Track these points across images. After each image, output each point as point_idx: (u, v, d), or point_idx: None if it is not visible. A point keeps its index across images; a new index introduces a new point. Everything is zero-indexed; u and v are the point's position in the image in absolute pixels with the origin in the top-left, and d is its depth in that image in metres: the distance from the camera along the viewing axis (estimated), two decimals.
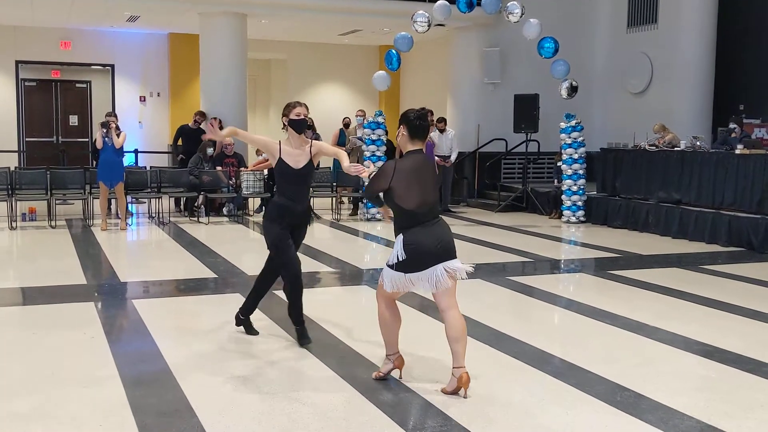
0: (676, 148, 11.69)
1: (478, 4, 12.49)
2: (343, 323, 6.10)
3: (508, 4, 12.18)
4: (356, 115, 14.03)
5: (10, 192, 11.47)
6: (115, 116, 11.43)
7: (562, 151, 12.73)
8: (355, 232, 11.65)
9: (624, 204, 12.06)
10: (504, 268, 8.73)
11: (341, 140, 14.28)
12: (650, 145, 12.07)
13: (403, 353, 4.79)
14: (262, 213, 12.92)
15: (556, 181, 13.34)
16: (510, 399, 4.45)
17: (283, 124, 5.49)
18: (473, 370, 4.89)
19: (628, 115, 14.85)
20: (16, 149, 16.42)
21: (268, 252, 5.57)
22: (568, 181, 12.56)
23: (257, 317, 6.09)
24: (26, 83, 17.17)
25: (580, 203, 12.56)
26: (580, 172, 12.54)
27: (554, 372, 4.92)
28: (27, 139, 17.12)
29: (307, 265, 8.75)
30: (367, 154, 12.86)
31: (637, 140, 12.67)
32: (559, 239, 11.16)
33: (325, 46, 18.89)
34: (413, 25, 12.21)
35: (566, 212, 12.65)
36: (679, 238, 10.84)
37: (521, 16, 12.08)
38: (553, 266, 9.14)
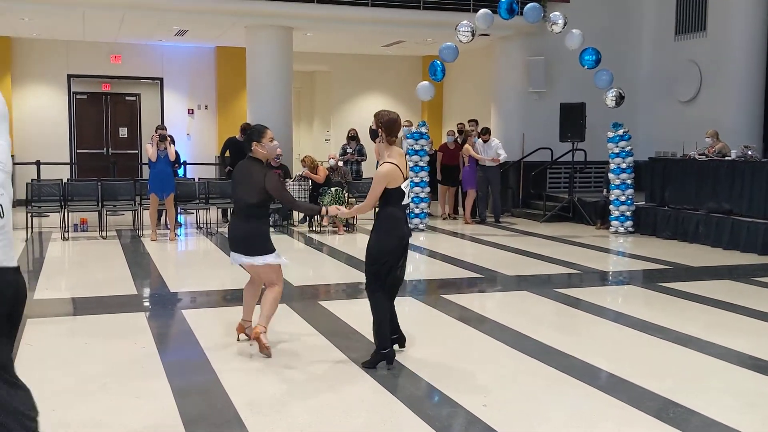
0: (726, 158, 11.47)
1: (520, 13, 12.45)
2: None
3: (551, 15, 12.12)
4: (403, 126, 14.05)
5: (62, 203, 11.76)
6: (165, 128, 11.65)
7: (610, 160, 12.59)
8: None
9: (673, 214, 11.86)
10: (550, 280, 8.66)
11: None
12: (700, 155, 11.87)
13: (445, 365, 4.76)
14: (307, 222, 13.09)
15: (605, 190, 13.17)
16: (558, 414, 4.41)
17: (378, 134, 5.27)
18: (520, 384, 4.87)
19: (677, 124, 14.63)
20: (68, 161, 16.80)
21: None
22: (616, 191, 12.40)
23: (306, 331, 6.17)
24: (78, 96, 17.57)
25: (628, 213, 12.39)
26: (628, 181, 12.38)
27: (603, 387, 4.86)
28: (78, 151, 17.50)
29: (347, 275, 8.86)
30: (410, 164, 12.87)
31: (686, 149, 12.46)
32: (606, 250, 11.03)
33: (369, 58, 18.98)
34: (457, 35, 12.22)
35: (614, 222, 12.49)
36: (731, 249, 10.63)
37: (564, 26, 12.01)
38: (600, 278, 9.04)
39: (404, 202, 5.30)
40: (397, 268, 5.25)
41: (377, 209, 5.45)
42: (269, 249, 5.51)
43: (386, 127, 5.20)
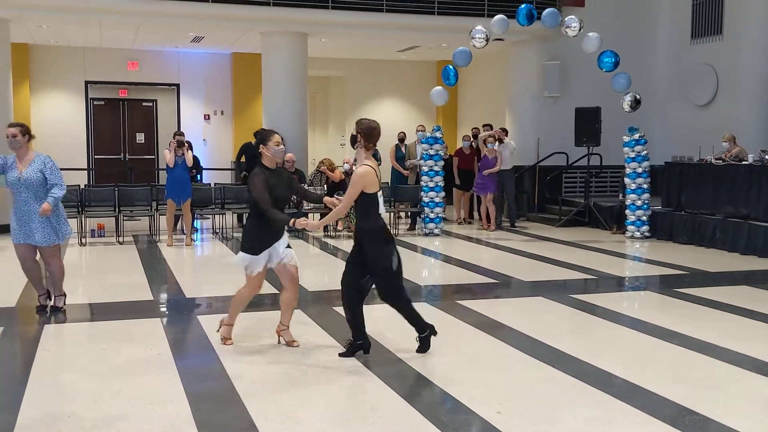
0: (743, 162, 11.39)
1: (538, 18, 12.44)
2: (402, 340, 6.10)
3: (566, 18, 12.10)
4: (417, 131, 14.07)
5: (80, 209, 11.85)
6: (182, 134, 11.71)
7: (626, 165, 12.53)
8: (413, 247, 11.65)
9: (690, 219, 11.79)
10: (565, 285, 8.62)
11: (398, 155, 14.36)
12: (717, 159, 11.80)
13: (460, 372, 4.74)
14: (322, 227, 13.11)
15: (621, 195, 13.11)
16: (573, 421, 4.39)
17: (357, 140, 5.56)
18: (535, 391, 4.85)
19: (693, 128, 14.53)
20: (86, 167, 16.93)
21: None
22: (632, 196, 12.34)
23: (320, 336, 6.18)
24: (95, 102, 17.72)
25: (644, 218, 12.33)
26: (644, 186, 12.32)
27: (618, 394, 4.83)
28: (96, 157, 17.65)
29: None
30: (425, 168, 12.88)
31: (703, 153, 12.39)
32: (622, 255, 10.97)
33: (383, 63, 19.01)
34: (471, 40, 12.21)
35: (630, 227, 12.42)
36: (748, 254, 10.54)
37: (579, 30, 11.99)
38: (616, 283, 9.00)
39: (380, 212, 5.46)
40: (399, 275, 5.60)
41: (358, 223, 5.55)
42: (244, 247, 5.76)
43: (365, 134, 5.46)
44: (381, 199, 5.49)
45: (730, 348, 5.88)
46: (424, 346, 5.67)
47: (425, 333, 5.68)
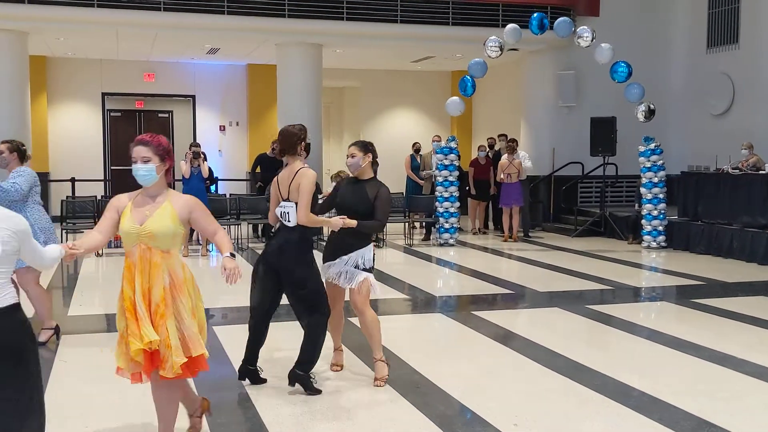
0: (760, 171, 11.31)
1: (550, 27, 12.43)
2: (417, 352, 6.09)
3: (578, 29, 12.09)
4: (433, 141, 14.07)
5: (97, 220, 11.90)
6: (198, 146, 11.77)
7: (642, 174, 12.47)
8: (427, 258, 11.64)
9: (707, 229, 11.71)
10: (581, 296, 8.57)
11: (413, 165, 14.35)
12: (733, 169, 11.72)
13: (476, 383, 4.72)
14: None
15: (637, 205, 13.04)
16: None
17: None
18: (551, 403, 4.82)
19: (709, 138, 14.45)
20: (102, 178, 17.05)
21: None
22: (648, 206, 12.28)
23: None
24: (112, 114, 17.84)
25: (660, 228, 12.26)
26: (661, 196, 12.25)
27: (636, 406, 4.79)
28: (112, 168, 17.76)
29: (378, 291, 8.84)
30: (440, 179, 12.88)
31: (720, 163, 12.31)
32: (639, 265, 10.90)
33: (398, 73, 19.04)
34: (486, 50, 12.23)
35: (646, 237, 12.35)
36: (766, 264, 10.45)
37: (592, 41, 11.98)
38: (633, 294, 8.94)
39: (288, 224, 5.06)
40: (255, 289, 5.32)
41: None
42: None
43: (279, 140, 5.23)
44: (281, 210, 5.09)
45: (748, 359, 5.82)
46: (244, 376, 5.31)
47: (251, 367, 5.29)
